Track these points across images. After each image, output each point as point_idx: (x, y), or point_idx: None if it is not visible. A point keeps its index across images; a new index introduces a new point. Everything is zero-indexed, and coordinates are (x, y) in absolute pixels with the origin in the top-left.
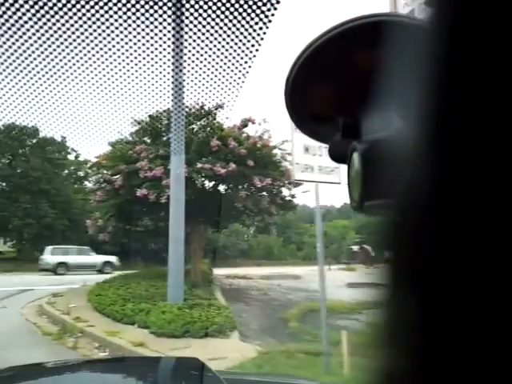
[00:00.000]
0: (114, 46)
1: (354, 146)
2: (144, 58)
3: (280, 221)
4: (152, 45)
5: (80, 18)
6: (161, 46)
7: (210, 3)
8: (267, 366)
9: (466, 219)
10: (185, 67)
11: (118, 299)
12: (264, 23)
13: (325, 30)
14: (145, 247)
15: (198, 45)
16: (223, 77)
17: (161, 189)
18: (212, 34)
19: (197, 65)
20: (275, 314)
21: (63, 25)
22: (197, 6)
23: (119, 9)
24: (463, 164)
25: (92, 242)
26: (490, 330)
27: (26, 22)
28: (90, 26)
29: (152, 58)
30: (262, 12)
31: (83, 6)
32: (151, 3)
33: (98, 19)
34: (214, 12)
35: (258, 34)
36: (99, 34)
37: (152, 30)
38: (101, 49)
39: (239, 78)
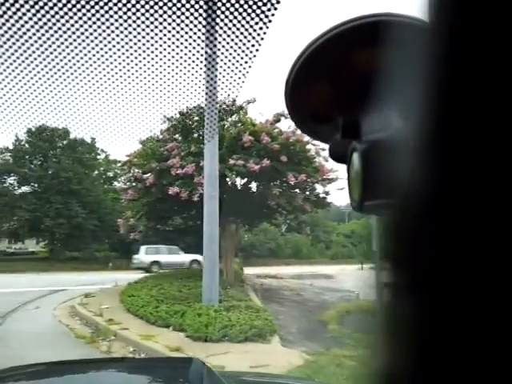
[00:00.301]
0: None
1: (354, 146)
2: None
3: (308, 219)
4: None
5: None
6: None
7: (210, 3)
8: (319, 376)
9: (465, 219)
10: (217, 62)
11: (151, 300)
12: (264, 23)
13: (325, 30)
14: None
15: (199, 45)
16: (223, 77)
17: (193, 186)
18: (212, 34)
19: (197, 65)
20: (312, 316)
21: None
22: (197, 6)
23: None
24: (463, 164)
25: (121, 241)
26: (489, 330)
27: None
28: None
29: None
30: (262, 12)
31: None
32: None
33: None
34: (214, 12)
35: (258, 34)
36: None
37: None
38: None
39: (239, 78)
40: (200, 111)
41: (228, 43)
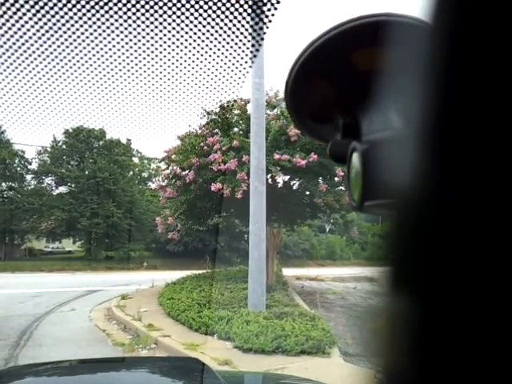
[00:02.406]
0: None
1: (354, 146)
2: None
3: (342, 220)
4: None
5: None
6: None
7: (211, 3)
8: None
9: (465, 219)
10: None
11: (192, 304)
12: (264, 23)
13: (325, 30)
14: (210, 246)
15: (199, 45)
16: (223, 77)
17: (236, 182)
18: (212, 34)
19: (197, 65)
20: (364, 324)
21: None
22: (197, 6)
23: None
24: (463, 164)
25: (156, 241)
26: (489, 330)
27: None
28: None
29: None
30: (262, 12)
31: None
32: None
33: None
34: (214, 12)
35: (258, 34)
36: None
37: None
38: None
39: (239, 77)
40: (241, 105)
41: (228, 43)
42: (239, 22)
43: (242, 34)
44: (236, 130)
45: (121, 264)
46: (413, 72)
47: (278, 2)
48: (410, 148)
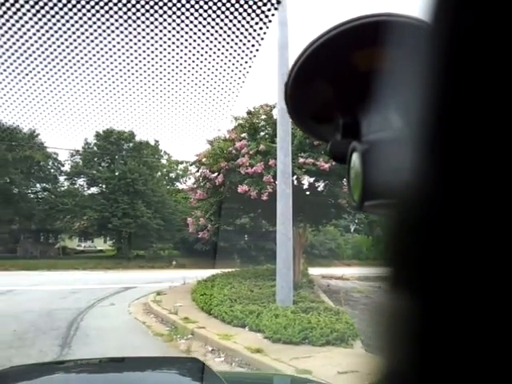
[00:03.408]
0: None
1: (354, 146)
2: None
3: (366, 220)
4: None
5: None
6: (259, 35)
7: (211, 3)
8: None
9: (465, 218)
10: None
11: (224, 299)
12: (264, 23)
13: (325, 30)
14: (238, 245)
15: (199, 45)
16: (223, 77)
17: (262, 185)
18: (212, 34)
19: (197, 65)
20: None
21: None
22: (197, 6)
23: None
24: (463, 164)
25: (184, 240)
26: (489, 329)
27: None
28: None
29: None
30: (262, 12)
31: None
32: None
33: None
34: (214, 12)
35: (258, 34)
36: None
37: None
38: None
39: (239, 77)
40: (267, 110)
41: (228, 43)
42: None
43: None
44: (262, 134)
45: (150, 263)
46: (413, 72)
47: (278, 2)
48: (410, 148)
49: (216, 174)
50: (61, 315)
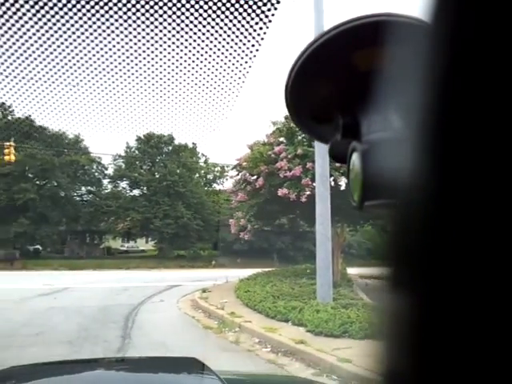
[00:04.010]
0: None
1: (354, 146)
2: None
3: None
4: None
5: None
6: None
7: (211, 3)
8: None
9: (465, 218)
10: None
11: (267, 296)
12: (264, 23)
13: (325, 30)
14: (276, 245)
15: (199, 45)
16: (223, 77)
17: (301, 187)
18: (212, 34)
19: (197, 65)
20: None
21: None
22: (197, 6)
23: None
24: (463, 164)
25: (223, 240)
26: (489, 329)
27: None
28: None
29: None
30: (262, 12)
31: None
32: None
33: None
34: (214, 12)
35: (258, 34)
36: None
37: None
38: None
39: (239, 77)
40: None
41: (228, 43)
42: None
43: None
44: (300, 138)
45: (191, 262)
46: (413, 72)
47: (278, 2)
48: (410, 148)
49: (256, 177)
50: (116, 310)
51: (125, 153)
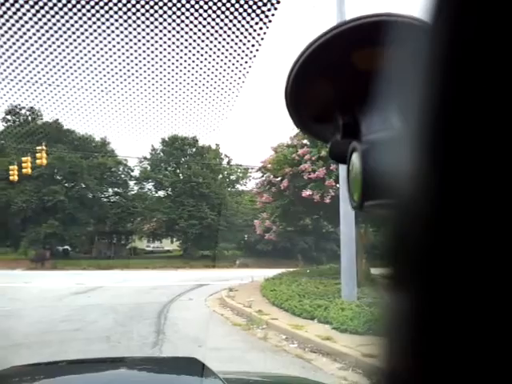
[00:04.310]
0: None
1: (354, 146)
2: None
3: None
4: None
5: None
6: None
7: (211, 3)
8: None
9: (465, 218)
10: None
11: (293, 295)
12: (264, 23)
13: (325, 30)
14: (299, 245)
15: (199, 45)
16: (223, 77)
17: (324, 189)
18: (212, 34)
19: (197, 65)
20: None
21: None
22: (197, 6)
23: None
24: (463, 164)
25: (246, 241)
26: (489, 329)
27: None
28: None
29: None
30: (262, 12)
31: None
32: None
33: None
34: (214, 12)
35: (258, 34)
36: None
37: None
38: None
39: (239, 77)
40: None
41: (228, 43)
42: None
43: None
44: None
45: (215, 262)
46: (413, 72)
47: (278, 2)
48: (410, 148)
49: (280, 178)
50: (148, 307)
51: (150, 155)
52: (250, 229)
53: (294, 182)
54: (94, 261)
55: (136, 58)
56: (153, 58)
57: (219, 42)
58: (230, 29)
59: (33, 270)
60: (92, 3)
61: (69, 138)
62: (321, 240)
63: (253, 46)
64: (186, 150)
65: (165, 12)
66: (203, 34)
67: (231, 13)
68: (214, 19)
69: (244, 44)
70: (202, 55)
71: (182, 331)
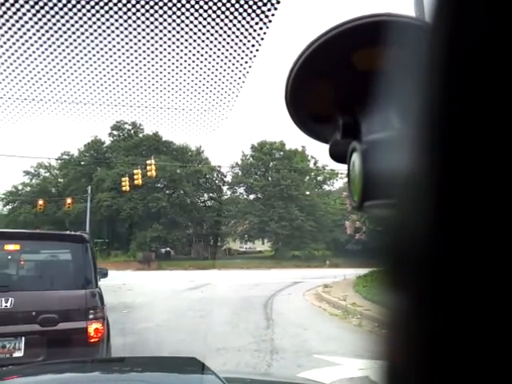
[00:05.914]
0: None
1: (354, 146)
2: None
3: None
4: None
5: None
6: None
7: (211, 3)
8: None
9: (465, 218)
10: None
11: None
12: (264, 23)
13: (325, 30)
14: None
15: (199, 45)
16: (223, 77)
17: None
18: (212, 34)
19: (197, 65)
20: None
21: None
22: (197, 6)
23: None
24: (463, 164)
25: (335, 241)
26: (489, 329)
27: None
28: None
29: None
30: (262, 12)
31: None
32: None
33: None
34: (214, 12)
35: (258, 34)
36: None
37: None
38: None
39: (239, 78)
40: None
41: (228, 43)
42: None
43: None
44: None
45: (306, 262)
46: (413, 72)
47: (278, 2)
48: (410, 148)
49: None
50: (254, 300)
51: (241, 160)
52: (338, 229)
53: None
54: (194, 261)
55: (136, 57)
56: (153, 59)
57: (219, 42)
58: (230, 29)
59: (141, 271)
60: (92, 3)
61: (168, 149)
62: None
63: (253, 46)
64: (273, 155)
65: (165, 12)
66: (203, 34)
67: (231, 13)
68: (214, 19)
69: (244, 44)
70: (201, 55)
71: (287, 319)
